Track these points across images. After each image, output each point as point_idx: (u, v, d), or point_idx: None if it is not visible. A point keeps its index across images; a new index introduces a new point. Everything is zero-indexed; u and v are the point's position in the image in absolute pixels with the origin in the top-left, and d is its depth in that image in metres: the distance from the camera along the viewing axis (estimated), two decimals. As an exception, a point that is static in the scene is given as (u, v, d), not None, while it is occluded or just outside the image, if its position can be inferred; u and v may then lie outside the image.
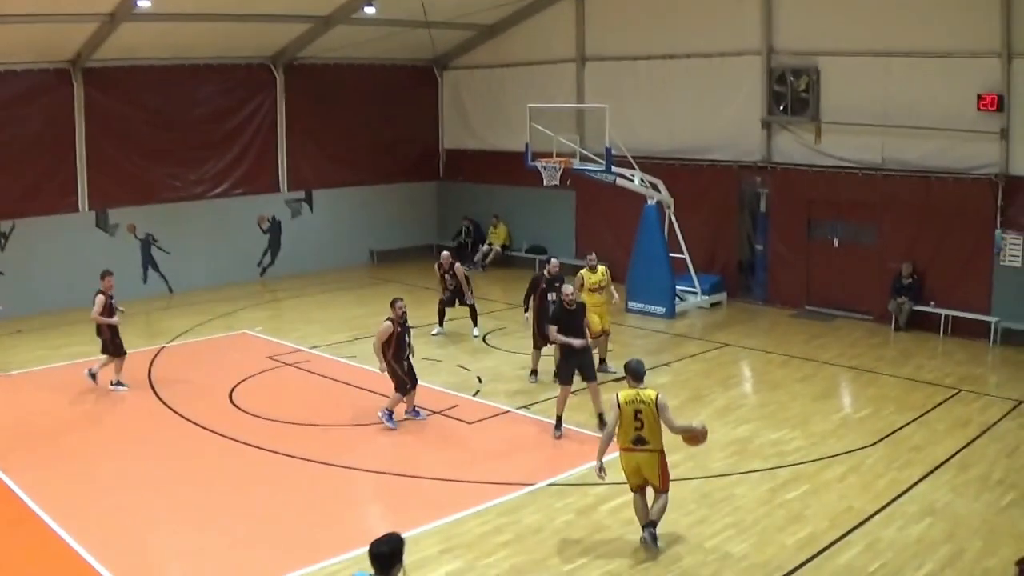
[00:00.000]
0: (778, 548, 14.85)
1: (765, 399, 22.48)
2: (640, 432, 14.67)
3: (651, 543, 14.72)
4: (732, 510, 16.31)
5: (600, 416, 19.84)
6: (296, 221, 38.05)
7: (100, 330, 23.44)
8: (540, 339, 23.62)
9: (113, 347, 23.52)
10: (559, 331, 20.09)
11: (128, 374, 23.69)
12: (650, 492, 15.16)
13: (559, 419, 19.97)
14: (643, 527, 14.92)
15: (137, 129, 33.41)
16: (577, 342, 19.82)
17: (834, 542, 15.00)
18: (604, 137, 28.58)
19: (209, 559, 14.91)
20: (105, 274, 23.78)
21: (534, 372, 23.99)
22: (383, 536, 9.82)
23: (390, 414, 20.63)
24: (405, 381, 20.55)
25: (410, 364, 20.69)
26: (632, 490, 15.12)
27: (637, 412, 14.63)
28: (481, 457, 19.11)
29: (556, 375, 21.60)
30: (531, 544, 15.08)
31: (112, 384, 23.37)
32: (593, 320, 22.62)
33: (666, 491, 15.05)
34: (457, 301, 27.94)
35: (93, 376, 23.42)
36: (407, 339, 20.65)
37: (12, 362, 25.80)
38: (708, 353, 26.25)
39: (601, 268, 24.28)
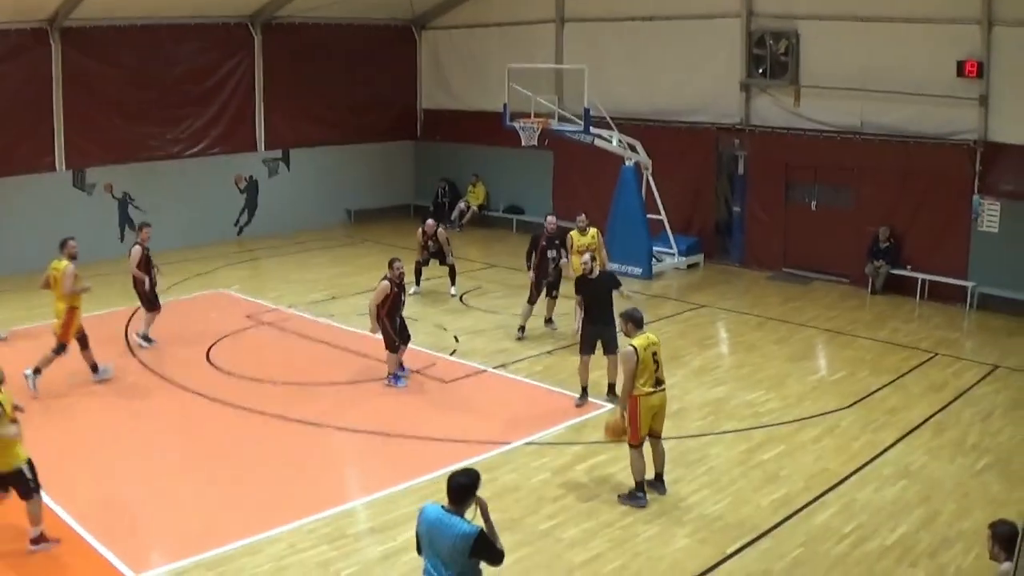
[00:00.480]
0: (753, 508, 14.95)
1: (741, 360, 22.56)
2: (658, 373, 15.13)
3: (663, 490, 15.53)
4: (707, 470, 16.43)
5: (611, 385, 19.66)
6: (273, 180, 37.90)
7: (136, 283, 23.37)
8: (535, 293, 24.04)
9: (147, 301, 23.45)
10: (583, 303, 19.66)
11: (105, 333, 23.63)
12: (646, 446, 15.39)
13: (584, 389, 19.66)
14: (657, 478, 15.62)
15: (115, 88, 33.15)
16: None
17: (809, 503, 15.12)
18: (583, 98, 28.57)
19: (185, 516, 14.92)
20: (143, 226, 23.86)
21: (522, 328, 24.12)
22: (461, 469, 10.12)
23: (396, 377, 20.78)
24: (395, 339, 20.59)
25: (403, 321, 20.78)
26: (636, 444, 15.20)
27: (654, 354, 15.06)
28: (457, 416, 19.16)
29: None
30: (508, 503, 15.13)
31: (138, 335, 23.38)
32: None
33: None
34: (434, 261, 27.97)
35: (148, 340, 23.41)
36: (403, 298, 20.76)
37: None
38: (684, 314, 26.31)
39: (592, 231, 24.17)
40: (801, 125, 30.01)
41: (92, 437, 18.05)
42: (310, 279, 29.71)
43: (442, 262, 27.87)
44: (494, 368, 21.84)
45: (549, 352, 22.71)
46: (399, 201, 41.38)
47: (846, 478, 16.06)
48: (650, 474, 15.62)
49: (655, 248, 30.71)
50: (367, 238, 35.80)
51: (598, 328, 19.47)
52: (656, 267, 30.47)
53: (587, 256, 19.98)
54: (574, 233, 24.16)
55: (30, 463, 13.71)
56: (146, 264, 23.30)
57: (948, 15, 26.59)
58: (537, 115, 29.88)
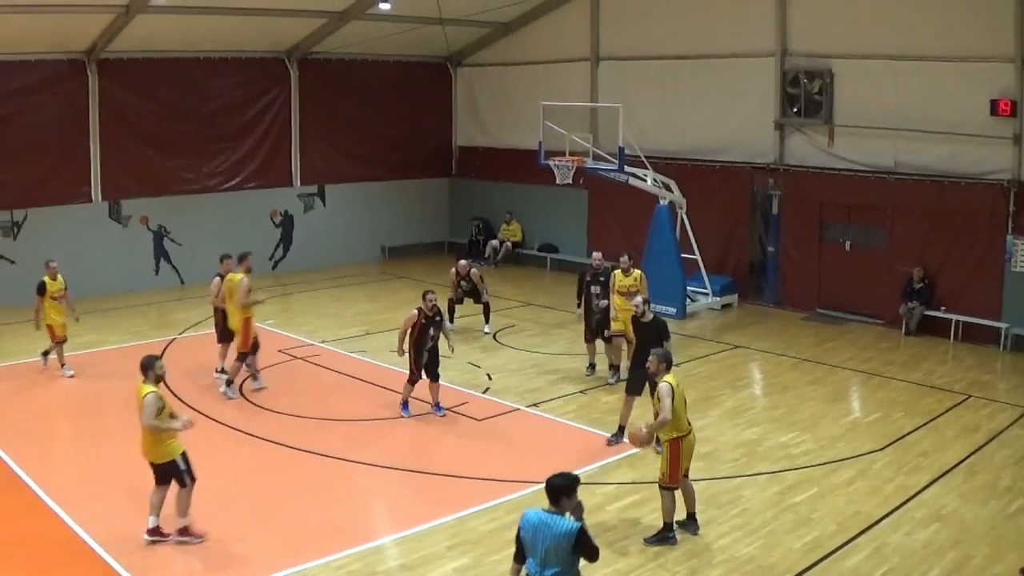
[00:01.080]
0: (785, 551, 14.87)
1: (775, 402, 22.49)
2: (686, 414, 15.30)
3: (696, 530, 15.59)
4: (739, 512, 16.34)
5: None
6: (308, 215, 38.10)
7: (216, 312, 23.42)
8: (589, 333, 23.98)
9: (221, 333, 23.33)
10: (637, 343, 19.67)
11: (138, 366, 23.72)
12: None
13: (621, 428, 19.34)
14: (689, 517, 15.65)
15: (151, 121, 33.51)
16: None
17: (841, 546, 15.01)
18: (617, 136, 28.60)
19: (215, 551, 14.96)
20: (223, 257, 23.75)
21: (591, 366, 24.14)
22: (558, 473, 10.87)
23: (405, 406, 20.95)
24: (415, 371, 20.74)
25: (433, 357, 20.87)
26: (675, 486, 15.25)
27: (682, 394, 15.16)
28: (490, 454, 19.19)
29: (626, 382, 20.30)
30: (538, 543, 15.10)
31: (216, 372, 23.27)
32: (621, 322, 22.67)
33: None
34: (467, 300, 28.10)
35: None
36: (430, 331, 20.75)
37: (21, 351, 25.83)
38: (719, 355, 26.23)
39: (636, 272, 23.61)
40: (835, 164, 29.95)
41: (122, 465, 18.04)
42: (343, 314, 29.77)
43: (476, 300, 27.96)
44: (527, 407, 21.81)
45: (582, 392, 22.68)
46: (433, 238, 41.54)
47: (878, 521, 15.94)
48: (681, 515, 15.57)
49: (689, 288, 30.64)
50: (401, 274, 35.89)
51: (645, 371, 18.43)
52: (690, 307, 30.41)
53: (639, 299, 19.82)
54: (617, 273, 23.72)
55: (184, 456, 15.22)
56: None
57: (982, 54, 26.53)
58: (572, 153, 29.89)
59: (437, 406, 21.22)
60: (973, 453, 19.05)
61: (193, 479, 15.25)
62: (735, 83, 32.11)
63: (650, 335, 19.11)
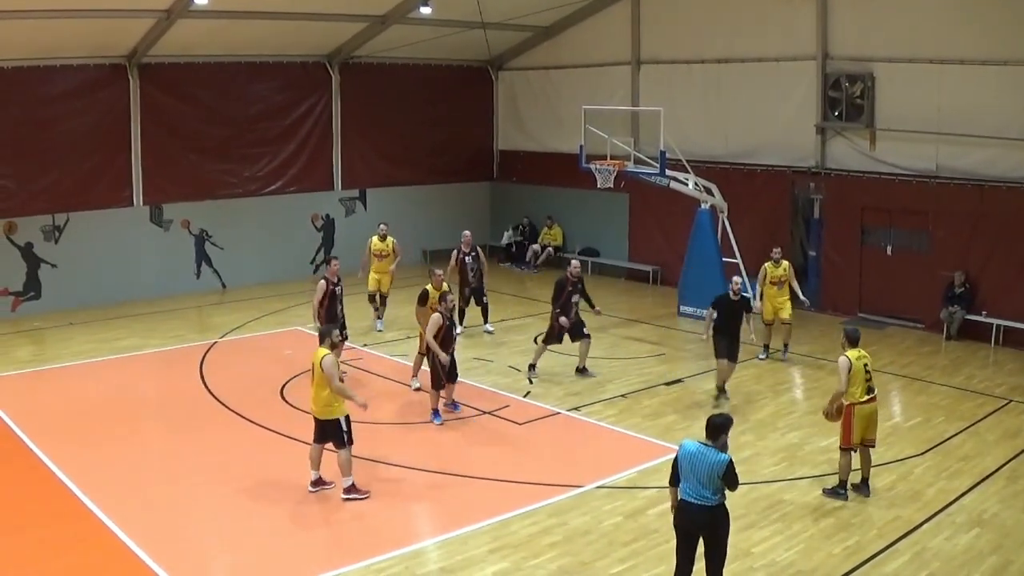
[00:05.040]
0: (825, 556, 14.87)
1: (816, 406, 22.25)
2: (870, 383, 16.92)
3: (867, 493, 17.18)
4: (780, 517, 16.35)
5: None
6: (349, 219, 38.23)
7: (318, 317, 23.53)
8: (555, 335, 24.39)
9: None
10: (717, 319, 22.62)
11: (180, 368, 23.93)
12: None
13: (720, 388, 22.69)
14: (863, 482, 17.29)
15: (192, 125, 33.72)
16: None
17: (881, 551, 15.01)
18: (658, 140, 28.63)
19: (253, 552, 15.09)
20: (331, 259, 24.25)
21: (532, 367, 24.58)
22: (718, 412, 13.25)
23: (436, 413, 21.01)
24: (442, 377, 20.80)
25: (452, 358, 20.97)
26: (847, 447, 17.00)
27: (865, 365, 16.86)
28: (530, 458, 19.19)
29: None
30: (579, 546, 15.17)
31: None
32: (767, 309, 26.15)
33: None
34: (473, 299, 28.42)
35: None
36: (453, 333, 21.09)
37: (63, 354, 26.06)
38: (759, 359, 26.20)
39: (784, 263, 25.95)
40: (876, 168, 29.89)
41: (162, 468, 18.25)
42: (385, 318, 29.81)
43: (478, 301, 28.56)
44: (567, 411, 21.82)
45: (623, 396, 22.71)
46: (475, 242, 41.47)
47: (919, 526, 15.92)
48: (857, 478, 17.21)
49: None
50: (442, 279, 35.94)
51: (727, 339, 22.35)
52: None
53: (737, 278, 23.37)
54: (768, 265, 25.98)
55: (347, 418, 16.82)
56: (330, 300, 23.45)
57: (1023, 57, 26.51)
58: (613, 157, 29.93)
59: (453, 404, 21.53)
60: (1014, 458, 18.98)
61: (351, 441, 16.85)
62: (776, 87, 32.07)
63: (737, 308, 22.78)
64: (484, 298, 28.49)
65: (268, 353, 26.58)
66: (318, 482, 17.03)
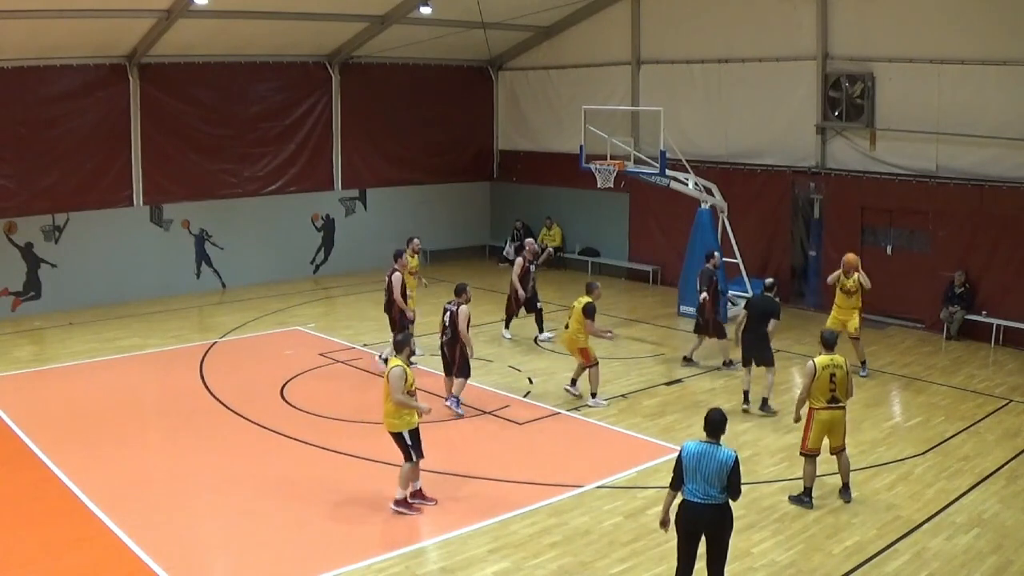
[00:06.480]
0: (825, 556, 14.89)
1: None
2: (834, 392, 16.65)
3: (848, 498, 17.04)
4: (780, 516, 16.38)
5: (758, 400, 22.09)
6: (350, 219, 38.27)
7: (391, 308, 24.14)
8: (515, 310, 26.63)
9: (394, 324, 24.21)
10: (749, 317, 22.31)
11: (180, 368, 23.92)
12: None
13: (745, 393, 22.18)
14: (844, 487, 17.19)
15: (192, 125, 33.77)
16: None
17: (881, 551, 15.03)
18: (658, 140, 28.60)
19: (253, 552, 15.11)
20: (397, 256, 24.89)
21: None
22: (715, 407, 13.05)
23: (457, 400, 21.41)
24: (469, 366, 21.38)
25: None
26: (804, 453, 16.93)
27: (832, 376, 16.63)
28: (530, 458, 19.23)
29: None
30: (579, 546, 15.20)
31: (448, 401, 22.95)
32: (836, 320, 24.41)
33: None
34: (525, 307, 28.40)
35: (384, 360, 23.53)
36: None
37: (63, 354, 26.08)
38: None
39: (855, 276, 24.51)
40: (876, 168, 29.91)
41: (162, 468, 18.28)
42: (385, 318, 29.68)
43: (529, 309, 28.41)
44: (568, 411, 21.84)
45: (623, 396, 22.72)
46: (475, 242, 41.65)
47: (919, 526, 15.94)
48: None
49: (731, 291, 30.53)
50: (442, 278, 35.85)
51: (751, 338, 22.19)
52: (731, 311, 30.21)
53: (770, 280, 23.35)
54: (840, 275, 24.88)
55: (413, 432, 16.45)
56: (404, 291, 24.25)
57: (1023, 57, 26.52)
58: (613, 157, 29.90)
59: (456, 401, 21.61)
60: (1014, 458, 19.00)
61: (420, 456, 16.53)
62: (776, 87, 32.09)
63: (758, 309, 22.41)
64: (538, 303, 28.38)
65: (268, 353, 26.56)
66: (400, 502, 16.53)
